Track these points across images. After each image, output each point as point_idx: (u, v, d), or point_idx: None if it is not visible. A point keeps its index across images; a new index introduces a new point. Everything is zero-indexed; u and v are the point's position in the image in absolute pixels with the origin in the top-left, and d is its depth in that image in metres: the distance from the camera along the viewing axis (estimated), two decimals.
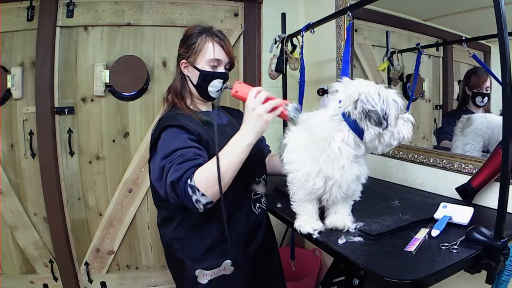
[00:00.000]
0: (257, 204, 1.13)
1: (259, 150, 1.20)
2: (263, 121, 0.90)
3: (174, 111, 1.08)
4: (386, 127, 0.80)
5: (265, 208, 1.18)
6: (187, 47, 1.09)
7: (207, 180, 0.86)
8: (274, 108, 0.91)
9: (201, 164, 0.90)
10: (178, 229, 1.06)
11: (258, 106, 0.90)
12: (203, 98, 1.14)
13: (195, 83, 1.10)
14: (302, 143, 0.91)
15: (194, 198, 0.86)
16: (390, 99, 0.81)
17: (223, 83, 1.10)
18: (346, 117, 0.84)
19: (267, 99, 0.91)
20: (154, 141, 1.00)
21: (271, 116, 0.91)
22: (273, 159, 1.27)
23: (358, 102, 0.80)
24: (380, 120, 0.79)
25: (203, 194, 0.86)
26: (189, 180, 0.86)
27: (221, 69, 1.10)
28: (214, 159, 0.86)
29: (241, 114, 1.32)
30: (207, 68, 1.08)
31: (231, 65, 1.14)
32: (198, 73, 1.08)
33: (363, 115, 0.80)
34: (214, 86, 1.09)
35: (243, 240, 1.09)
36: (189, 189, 0.86)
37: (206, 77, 1.08)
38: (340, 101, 0.85)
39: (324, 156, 0.84)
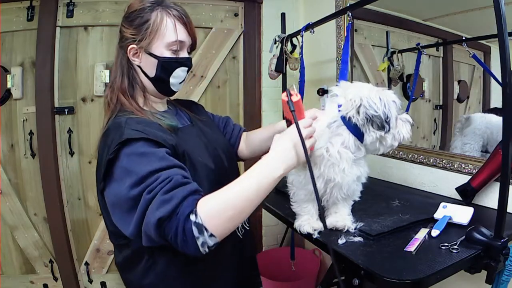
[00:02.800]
0: (240, 225, 0.93)
1: (227, 147, 0.97)
2: (297, 160, 0.71)
3: (124, 116, 0.77)
4: (389, 130, 0.80)
5: (248, 228, 0.99)
6: (137, 27, 0.82)
7: (220, 215, 0.63)
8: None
9: (198, 191, 0.67)
10: (149, 274, 0.78)
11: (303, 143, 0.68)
12: (162, 93, 0.88)
13: (152, 75, 0.84)
14: None
15: (200, 240, 0.61)
16: (390, 101, 0.80)
17: (187, 71, 0.88)
18: (346, 121, 0.83)
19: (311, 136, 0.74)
20: (108, 163, 0.68)
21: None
22: (252, 136, 1.08)
23: (361, 108, 0.78)
24: (383, 124, 0.78)
25: (212, 235, 0.62)
26: (192, 216, 0.62)
27: (183, 53, 0.86)
28: (228, 186, 0.66)
29: (200, 108, 1.08)
30: (168, 54, 0.82)
31: (192, 46, 0.89)
32: (155, 61, 0.82)
33: (366, 120, 0.79)
34: (177, 76, 0.86)
35: (229, 280, 0.89)
36: (194, 229, 0.61)
37: (167, 66, 0.83)
38: (339, 106, 0.84)
39: (324, 161, 0.84)
